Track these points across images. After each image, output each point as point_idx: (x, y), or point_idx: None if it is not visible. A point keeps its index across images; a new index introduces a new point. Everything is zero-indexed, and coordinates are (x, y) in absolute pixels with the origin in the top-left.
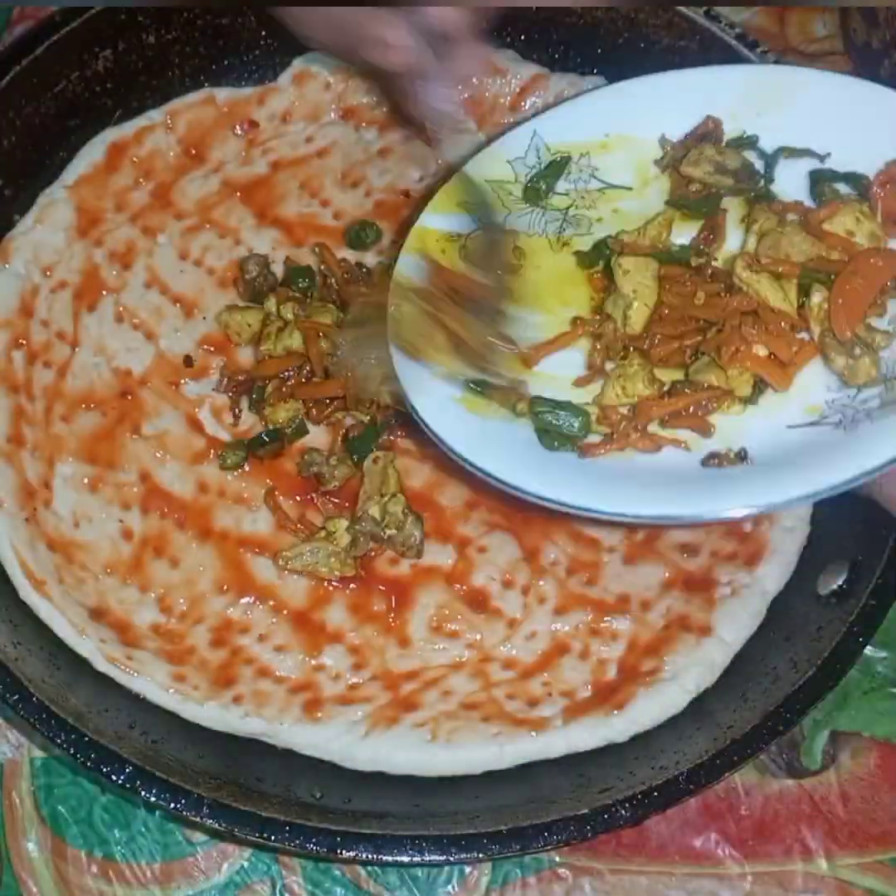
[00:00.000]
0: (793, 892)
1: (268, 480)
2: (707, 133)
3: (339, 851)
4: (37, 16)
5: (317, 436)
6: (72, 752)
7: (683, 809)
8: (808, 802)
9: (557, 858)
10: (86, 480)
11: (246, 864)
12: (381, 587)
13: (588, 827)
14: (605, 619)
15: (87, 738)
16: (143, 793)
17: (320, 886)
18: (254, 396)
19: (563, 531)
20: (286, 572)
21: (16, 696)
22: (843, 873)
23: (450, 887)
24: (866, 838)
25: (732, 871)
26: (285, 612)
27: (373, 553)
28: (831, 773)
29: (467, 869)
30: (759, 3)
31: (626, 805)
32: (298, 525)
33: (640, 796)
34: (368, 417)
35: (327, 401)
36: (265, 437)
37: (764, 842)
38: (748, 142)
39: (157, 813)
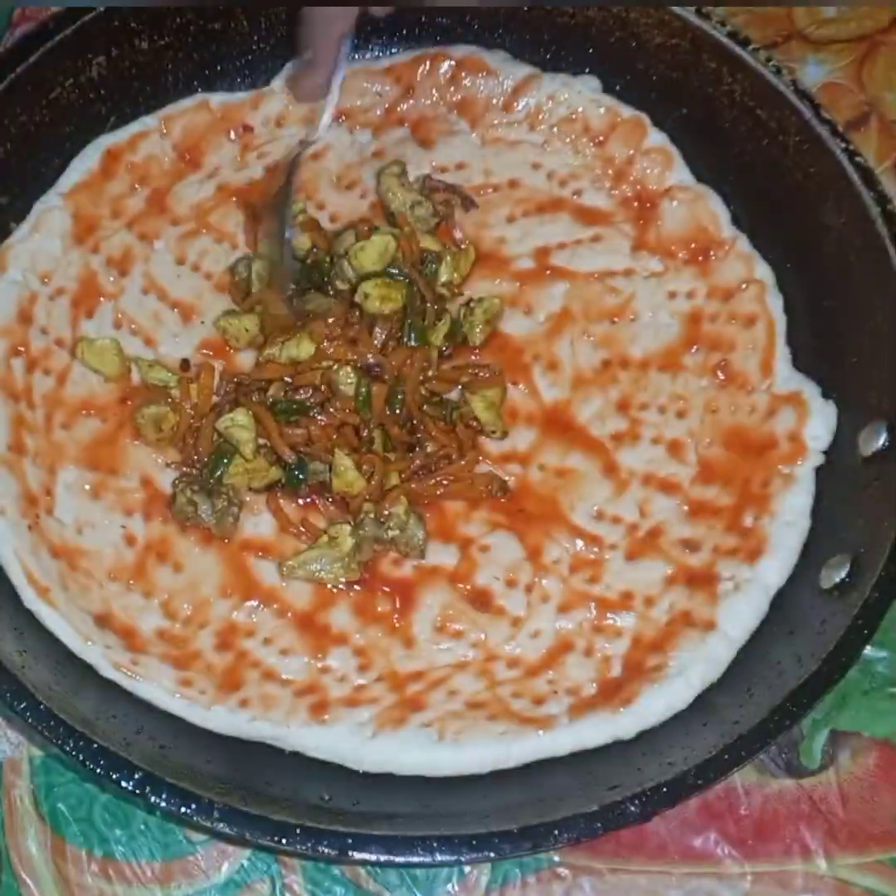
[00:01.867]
0: (792, 891)
1: None
2: None
3: (350, 853)
4: (38, 16)
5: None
6: (81, 759)
7: (683, 809)
8: (808, 802)
9: (557, 858)
10: (87, 487)
11: (246, 863)
12: (385, 588)
13: (598, 824)
14: (609, 615)
15: (95, 745)
16: (152, 799)
17: (320, 886)
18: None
19: (564, 529)
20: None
21: (23, 705)
22: (843, 873)
23: (449, 886)
24: (866, 838)
25: (732, 871)
26: (290, 614)
27: (375, 554)
28: (831, 773)
29: (467, 868)
30: (759, 4)
31: (636, 802)
32: (301, 528)
33: (649, 793)
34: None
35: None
36: (298, 474)
37: (763, 841)
38: None
39: (157, 812)
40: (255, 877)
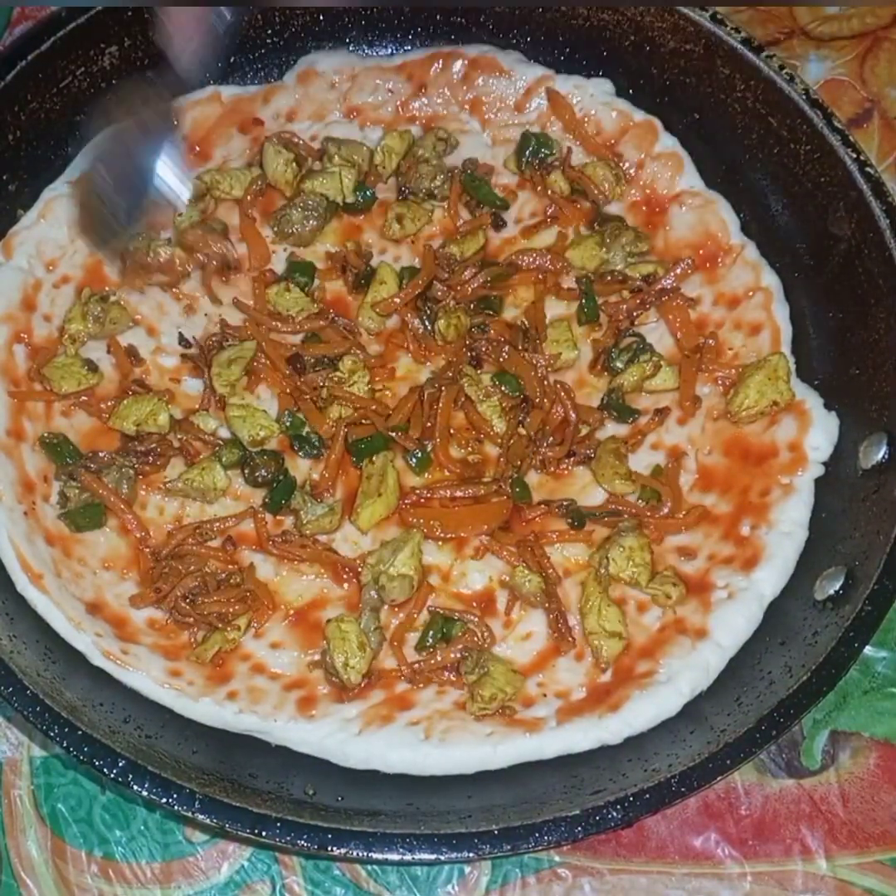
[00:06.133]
0: (792, 891)
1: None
2: None
3: (329, 848)
4: (37, 16)
5: None
6: (65, 745)
7: (683, 809)
8: (808, 802)
9: (557, 858)
10: None
11: (246, 863)
12: None
13: (579, 828)
14: None
15: (80, 732)
16: (135, 787)
17: (320, 886)
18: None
19: (560, 531)
20: (284, 571)
21: (10, 689)
22: (843, 873)
23: (450, 887)
24: (866, 838)
25: (732, 871)
26: (283, 608)
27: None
28: (831, 773)
29: (467, 869)
30: (762, 2)
31: (618, 807)
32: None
33: (631, 798)
34: None
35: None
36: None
37: (764, 841)
38: None
39: (158, 813)
40: (255, 877)
